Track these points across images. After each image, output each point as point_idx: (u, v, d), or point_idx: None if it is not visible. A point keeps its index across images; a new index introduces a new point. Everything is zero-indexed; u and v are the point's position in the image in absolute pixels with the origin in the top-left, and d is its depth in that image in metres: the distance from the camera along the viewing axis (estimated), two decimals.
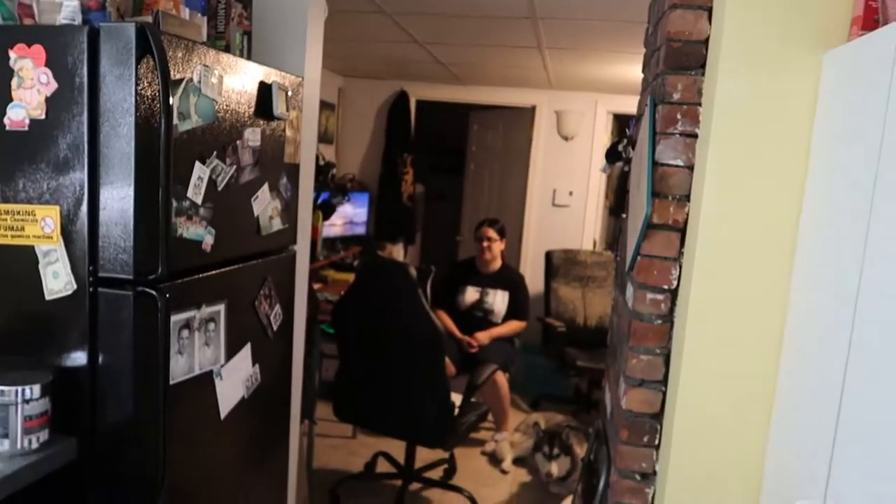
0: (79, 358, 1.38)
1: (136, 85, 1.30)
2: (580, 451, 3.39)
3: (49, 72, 1.31)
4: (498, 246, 4.13)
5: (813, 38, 1.39)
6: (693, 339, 1.52)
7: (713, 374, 1.52)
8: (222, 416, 1.70)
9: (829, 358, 1.19)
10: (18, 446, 1.30)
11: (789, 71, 1.40)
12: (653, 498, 1.65)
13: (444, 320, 3.98)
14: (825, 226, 1.30)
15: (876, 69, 1.10)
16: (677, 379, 1.55)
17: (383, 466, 3.43)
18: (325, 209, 3.91)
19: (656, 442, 1.65)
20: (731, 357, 1.51)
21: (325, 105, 4.87)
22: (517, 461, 3.73)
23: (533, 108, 5.29)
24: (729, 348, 1.51)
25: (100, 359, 1.39)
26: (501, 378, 3.84)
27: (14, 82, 1.32)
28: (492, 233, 4.10)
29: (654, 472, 1.65)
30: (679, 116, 1.56)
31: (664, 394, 1.63)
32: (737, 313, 1.50)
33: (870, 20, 1.26)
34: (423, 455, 3.35)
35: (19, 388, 1.29)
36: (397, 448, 3.37)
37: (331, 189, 4.01)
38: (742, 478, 1.52)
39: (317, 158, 2.77)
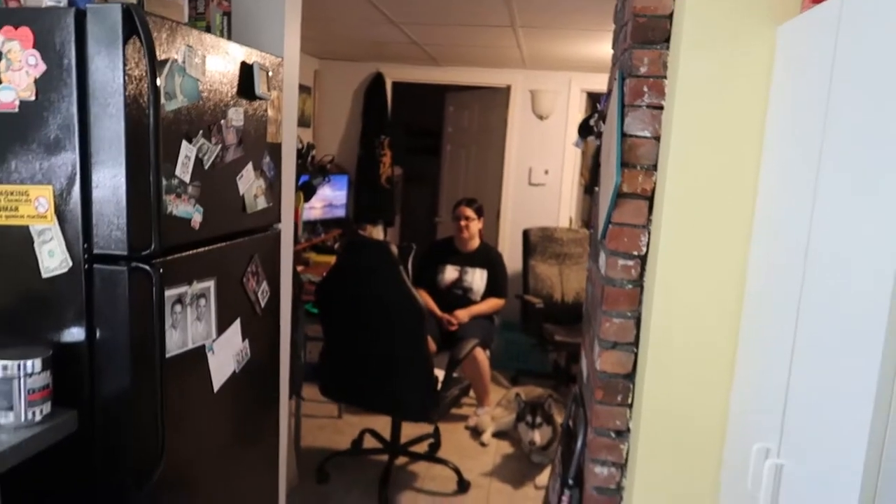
0: (77, 333, 1.43)
1: (124, 65, 1.34)
2: (561, 420, 3.50)
3: (37, 53, 1.34)
4: (476, 225, 4.21)
5: (768, 12, 1.47)
6: (661, 301, 1.61)
7: (680, 334, 1.61)
8: (215, 389, 1.76)
9: (782, 316, 1.28)
10: (22, 419, 1.35)
11: (746, 44, 1.49)
12: (627, 453, 1.75)
13: (425, 299, 4.05)
14: (780, 190, 1.39)
15: (821, 40, 1.19)
16: (647, 340, 1.64)
17: (370, 443, 3.52)
18: (305, 190, 3.95)
19: (629, 401, 1.74)
20: (696, 318, 1.60)
21: (301, 88, 4.87)
22: (499, 434, 3.84)
23: (508, 88, 5.35)
24: (694, 310, 1.60)
25: (97, 333, 1.43)
26: (482, 354, 3.93)
27: (2, 64, 1.35)
28: (469, 212, 4.17)
29: (628, 429, 1.75)
30: (646, 89, 1.64)
31: (636, 355, 1.73)
32: (700, 277, 1.59)
33: None
34: (408, 431, 3.44)
35: (21, 363, 1.33)
36: (383, 425, 3.46)
37: (310, 172, 4.04)
38: (708, 428, 1.62)
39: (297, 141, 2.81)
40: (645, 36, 1.62)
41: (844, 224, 1.06)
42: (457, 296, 4.16)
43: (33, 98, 1.36)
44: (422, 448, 3.53)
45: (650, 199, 1.67)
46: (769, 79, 1.48)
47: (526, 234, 4.91)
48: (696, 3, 1.50)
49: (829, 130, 1.14)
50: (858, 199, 1.02)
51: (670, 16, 1.60)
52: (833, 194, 1.11)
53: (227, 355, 1.80)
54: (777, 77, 1.45)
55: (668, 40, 1.61)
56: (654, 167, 1.66)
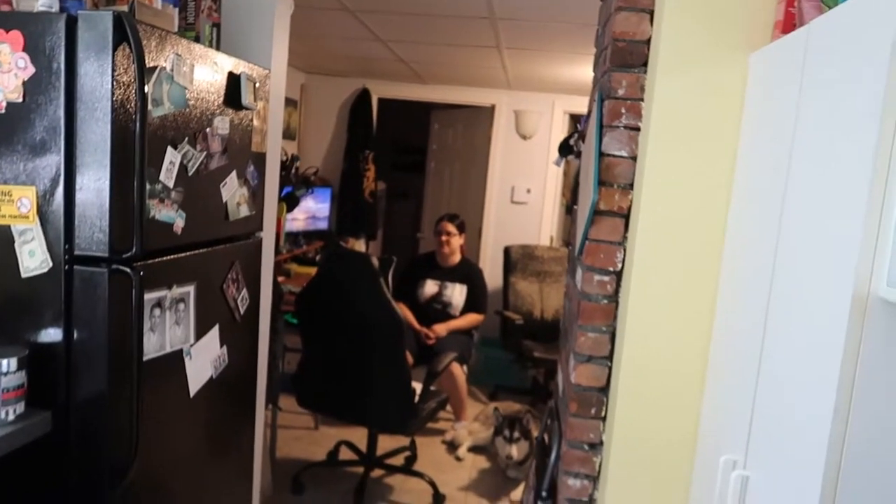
0: (54, 333, 1.43)
1: (113, 71, 1.36)
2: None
3: (27, 56, 1.36)
4: (457, 241, 4.24)
5: (741, 41, 1.53)
6: (634, 317, 1.65)
7: (652, 349, 1.65)
8: (191, 393, 1.76)
9: (749, 332, 1.33)
10: None
11: (720, 70, 1.54)
12: (600, 465, 1.78)
13: (404, 312, 4.07)
14: (750, 210, 1.44)
15: (790, 67, 1.24)
16: (621, 354, 1.68)
17: (346, 454, 3.51)
18: (289, 201, 3.97)
19: (603, 414, 1.77)
20: (668, 333, 1.64)
21: (287, 101, 4.89)
22: (476, 449, 3.85)
23: (492, 108, 5.42)
24: (666, 325, 1.64)
25: (75, 334, 1.44)
26: (458, 369, 3.95)
27: None
28: (451, 227, 4.21)
29: (601, 442, 1.78)
30: (623, 111, 1.69)
31: (610, 369, 1.76)
32: (673, 293, 1.63)
33: (789, 24, 1.41)
34: (385, 444, 3.44)
35: None
36: (359, 437, 3.45)
37: (294, 183, 4.06)
38: (679, 441, 1.65)
39: (281, 153, 2.84)
40: (623, 60, 1.67)
41: (807, 244, 1.11)
42: (436, 310, 4.19)
43: (21, 100, 1.38)
44: (398, 461, 3.52)
45: (626, 216, 1.72)
46: (742, 103, 1.54)
47: (507, 251, 4.96)
48: (672, 30, 1.56)
49: (796, 153, 1.19)
50: (820, 218, 1.07)
51: (648, 41, 1.66)
52: (797, 214, 1.16)
53: (204, 361, 1.81)
54: (749, 101, 1.50)
55: (645, 64, 1.66)
56: (631, 186, 1.71)
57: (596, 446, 1.78)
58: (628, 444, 1.68)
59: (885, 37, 0.90)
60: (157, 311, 1.58)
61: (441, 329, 4.06)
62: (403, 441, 3.59)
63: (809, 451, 1.02)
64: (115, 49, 1.36)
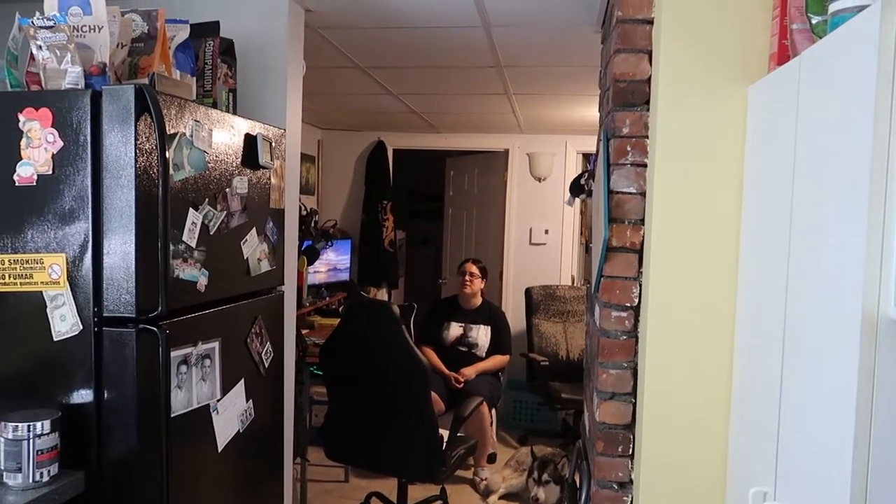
0: (85, 394, 1.47)
1: (136, 140, 1.44)
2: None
3: (55, 132, 1.44)
4: (479, 283, 4.29)
5: (739, 74, 1.57)
6: (654, 351, 1.65)
7: (675, 382, 1.64)
8: (219, 448, 1.78)
9: (769, 361, 1.32)
10: (30, 479, 1.38)
11: (720, 103, 1.58)
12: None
13: (431, 356, 4.10)
14: (760, 238, 1.45)
15: (786, 97, 1.27)
16: (643, 390, 1.67)
17: None
18: (309, 254, 4.04)
19: (630, 451, 1.75)
20: (690, 366, 1.64)
21: (305, 157, 5.04)
22: (509, 496, 3.78)
23: (506, 152, 5.50)
24: (687, 358, 1.64)
25: (105, 394, 1.48)
26: (484, 409, 3.92)
27: (23, 142, 1.45)
28: (474, 268, 4.27)
29: (631, 481, 1.75)
30: (629, 148, 1.72)
31: (634, 405, 1.75)
32: (691, 326, 1.63)
33: (784, 55, 1.44)
34: (416, 493, 3.39)
35: (31, 424, 1.37)
36: (390, 488, 3.42)
37: (313, 236, 4.14)
38: (708, 476, 1.63)
39: (300, 208, 2.91)
40: (626, 99, 1.72)
41: (815, 269, 1.12)
42: (462, 353, 4.20)
43: (50, 172, 1.45)
44: None
45: (639, 251, 1.73)
46: (744, 134, 1.56)
47: (528, 292, 4.96)
48: (671, 68, 1.60)
49: (798, 180, 1.20)
50: (825, 243, 1.08)
51: (648, 80, 1.70)
52: (804, 241, 1.17)
53: (231, 415, 1.83)
54: (751, 132, 1.53)
55: (647, 102, 1.70)
56: (642, 221, 1.73)
57: (625, 485, 1.76)
58: (658, 481, 1.66)
59: (868, 64, 0.92)
60: (183, 368, 1.61)
61: (469, 372, 4.07)
62: (434, 490, 3.54)
63: (835, 477, 1.01)
64: (137, 119, 1.44)
